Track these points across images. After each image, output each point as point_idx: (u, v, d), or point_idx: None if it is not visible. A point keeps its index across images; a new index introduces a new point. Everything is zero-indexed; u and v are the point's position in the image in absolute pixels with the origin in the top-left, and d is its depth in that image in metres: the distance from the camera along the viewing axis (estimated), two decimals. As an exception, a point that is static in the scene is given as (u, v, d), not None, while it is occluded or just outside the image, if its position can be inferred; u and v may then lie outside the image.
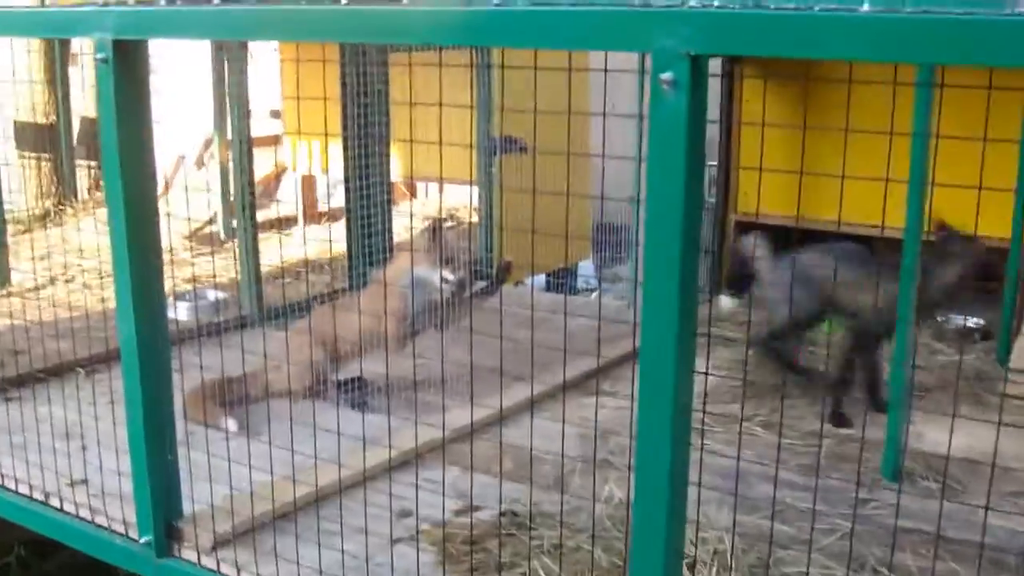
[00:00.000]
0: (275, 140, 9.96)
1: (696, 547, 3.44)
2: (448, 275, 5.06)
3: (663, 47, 2.22)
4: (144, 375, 3.55)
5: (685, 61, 2.21)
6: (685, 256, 2.32)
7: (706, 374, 2.72)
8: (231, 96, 6.70)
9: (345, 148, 6.63)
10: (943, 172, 3.19)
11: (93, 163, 10.54)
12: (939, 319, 6.13)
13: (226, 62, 7.04)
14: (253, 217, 6.50)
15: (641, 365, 2.43)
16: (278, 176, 10.96)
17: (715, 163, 7.06)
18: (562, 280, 8.85)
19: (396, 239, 7.29)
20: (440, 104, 2.96)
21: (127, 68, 3.32)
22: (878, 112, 2.62)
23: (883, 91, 2.59)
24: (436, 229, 5.09)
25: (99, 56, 3.27)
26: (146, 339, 3.54)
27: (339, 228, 9.26)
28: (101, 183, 10.62)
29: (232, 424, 4.72)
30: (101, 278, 6.82)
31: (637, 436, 2.48)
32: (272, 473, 3.72)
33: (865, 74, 2.42)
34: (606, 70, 2.71)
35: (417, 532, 3.79)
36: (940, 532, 3.61)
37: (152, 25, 3.25)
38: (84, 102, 10.66)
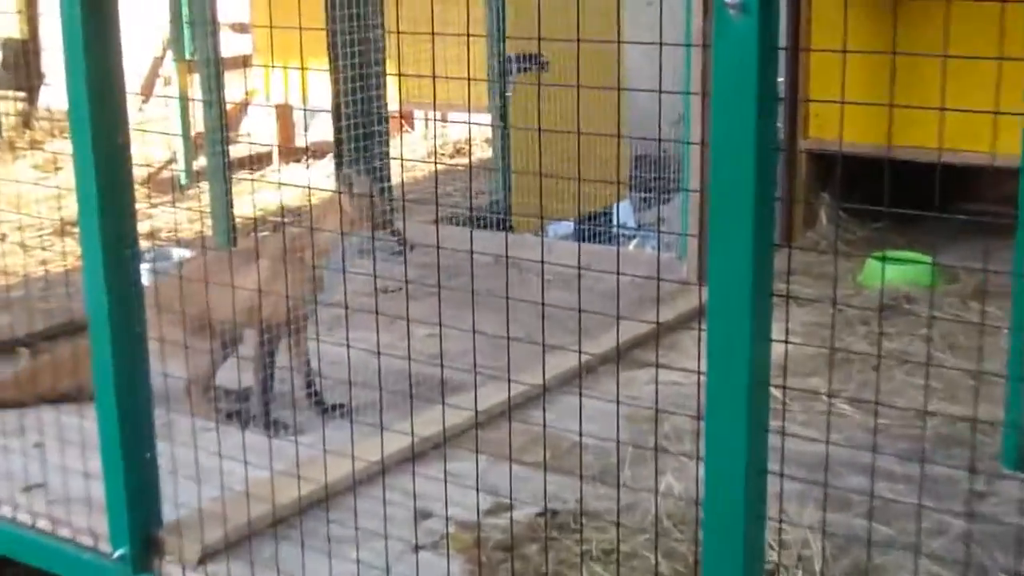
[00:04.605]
0: (242, 62, 9.94)
1: (778, 551, 3.46)
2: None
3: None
4: (117, 353, 3.57)
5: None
6: (759, 204, 2.38)
7: (785, 342, 2.75)
8: (192, 8, 6.69)
9: (333, 73, 6.63)
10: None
11: (20, 94, 10.50)
12: None
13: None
14: (227, 156, 6.50)
15: (710, 333, 2.49)
16: (245, 105, 10.95)
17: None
18: (597, 227, 8.88)
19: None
20: (467, 36, 2.98)
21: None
22: (979, 26, 2.62)
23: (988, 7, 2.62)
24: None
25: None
26: (120, 308, 3.56)
27: (323, 167, 9.33)
28: (32, 119, 10.67)
29: None
30: (41, 236, 6.85)
31: (706, 417, 2.53)
32: (271, 470, 3.77)
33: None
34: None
35: (447, 536, 3.85)
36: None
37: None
38: (8, 21, 10.62)
